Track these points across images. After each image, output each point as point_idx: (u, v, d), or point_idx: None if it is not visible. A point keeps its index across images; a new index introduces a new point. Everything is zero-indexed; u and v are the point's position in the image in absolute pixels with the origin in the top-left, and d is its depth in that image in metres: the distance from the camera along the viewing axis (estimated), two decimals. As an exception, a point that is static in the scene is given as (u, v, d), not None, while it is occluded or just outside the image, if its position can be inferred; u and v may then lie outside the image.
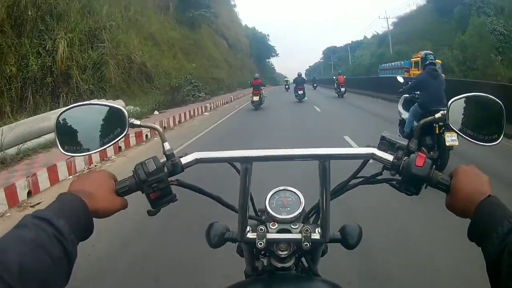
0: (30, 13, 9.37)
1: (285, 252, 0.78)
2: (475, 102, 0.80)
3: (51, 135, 6.20)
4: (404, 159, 0.76)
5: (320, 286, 0.79)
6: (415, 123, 5.16)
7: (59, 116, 0.78)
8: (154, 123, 0.88)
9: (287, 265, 0.80)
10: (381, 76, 27.62)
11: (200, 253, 2.59)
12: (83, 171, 5.41)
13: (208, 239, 0.86)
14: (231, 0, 51.87)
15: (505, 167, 5.05)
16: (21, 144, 5.93)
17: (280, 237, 0.78)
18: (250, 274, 0.88)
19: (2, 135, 5.58)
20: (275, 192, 0.86)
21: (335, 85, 21.27)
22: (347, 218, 1.54)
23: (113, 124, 0.77)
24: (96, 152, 0.80)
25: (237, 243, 0.89)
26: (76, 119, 0.79)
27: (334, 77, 23.12)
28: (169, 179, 0.76)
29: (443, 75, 5.92)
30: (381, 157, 0.78)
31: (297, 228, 0.79)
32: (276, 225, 0.80)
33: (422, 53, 5.58)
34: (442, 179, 0.74)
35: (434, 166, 0.74)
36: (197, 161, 0.79)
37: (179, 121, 11.21)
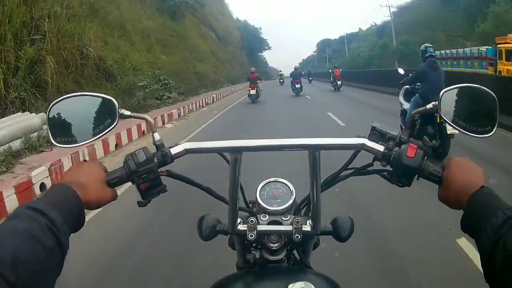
0: None
1: (276, 244, 0.78)
2: (468, 94, 0.79)
3: None
4: (395, 149, 0.75)
5: (311, 278, 0.74)
6: (416, 115, 4.24)
7: (50, 108, 0.78)
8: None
9: (278, 257, 0.80)
10: (382, 69, 24.41)
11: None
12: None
13: (200, 231, 0.87)
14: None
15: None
16: None
17: (271, 229, 0.78)
18: (242, 266, 0.87)
19: None
20: (266, 184, 0.86)
21: (331, 79, 21.02)
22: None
23: (104, 115, 0.78)
24: (87, 143, 0.79)
25: (228, 235, 0.88)
26: (67, 111, 0.79)
27: (330, 71, 22.89)
28: (159, 169, 0.75)
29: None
30: (371, 148, 0.77)
31: (288, 220, 0.79)
32: (267, 217, 0.79)
33: (422, 46, 5.63)
34: (434, 170, 0.73)
35: (426, 157, 0.73)
36: (187, 151, 0.79)
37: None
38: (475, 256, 2.39)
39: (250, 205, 0.92)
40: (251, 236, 0.76)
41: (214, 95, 17.91)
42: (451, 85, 0.77)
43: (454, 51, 19.60)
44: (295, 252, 0.89)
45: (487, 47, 16.77)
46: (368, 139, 0.79)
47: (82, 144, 0.79)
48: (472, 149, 5.16)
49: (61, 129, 0.78)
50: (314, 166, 0.77)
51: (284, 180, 0.86)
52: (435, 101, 0.76)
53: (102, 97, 0.79)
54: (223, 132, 8.80)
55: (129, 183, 0.75)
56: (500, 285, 0.55)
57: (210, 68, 26.53)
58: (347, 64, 41.72)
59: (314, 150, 0.76)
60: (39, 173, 4.34)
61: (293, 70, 19.95)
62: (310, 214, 0.82)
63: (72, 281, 2.31)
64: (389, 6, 36.52)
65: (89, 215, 0.64)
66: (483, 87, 0.76)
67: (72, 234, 0.60)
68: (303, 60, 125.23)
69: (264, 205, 0.81)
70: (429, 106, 0.77)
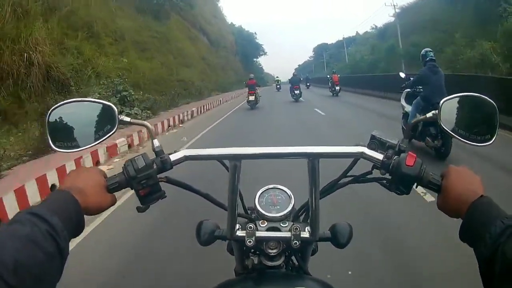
0: None
1: (274, 251, 0.79)
2: (468, 102, 0.80)
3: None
4: (395, 158, 0.75)
5: (309, 284, 0.77)
6: (418, 115, 5.16)
7: (50, 113, 0.78)
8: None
9: (276, 263, 0.81)
10: (382, 74, 22.82)
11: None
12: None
13: (198, 236, 0.88)
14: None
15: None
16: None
17: (269, 235, 0.78)
18: (240, 272, 0.87)
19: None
20: (264, 190, 0.87)
21: (330, 84, 21.14)
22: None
23: (103, 121, 0.78)
24: (86, 148, 0.78)
25: (227, 241, 0.88)
26: (66, 116, 0.79)
27: (329, 76, 22.97)
28: (158, 176, 0.76)
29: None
30: (371, 156, 0.77)
31: (286, 226, 0.79)
32: (266, 223, 0.80)
33: (423, 50, 5.82)
34: (433, 179, 0.73)
35: (425, 166, 0.73)
36: (186, 158, 0.79)
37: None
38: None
39: (249, 212, 0.93)
40: (250, 242, 0.76)
41: (195, 108, 14.01)
42: (452, 88, 0.71)
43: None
44: (293, 258, 0.88)
45: None
46: (368, 147, 0.79)
47: (81, 150, 0.79)
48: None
49: (60, 134, 0.79)
50: (313, 174, 0.77)
51: (283, 187, 0.88)
52: (435, 109, 0.76)
53: (102, 103, 0.80)
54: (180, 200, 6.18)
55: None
56: None
57: (198, 74, 23.55)
58: (348, 69, 39.08)
59: (313, 158, 0.77)
60: None
61: (292, 76, 19.93)
62: (308, 221, 0.82)
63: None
64: (394, 6, 34.01)
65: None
66: (483, 96, 0.77)
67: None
68: (298, 65, 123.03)
69: (263, 212, 0.82)
70: (429, 115, 0.77)
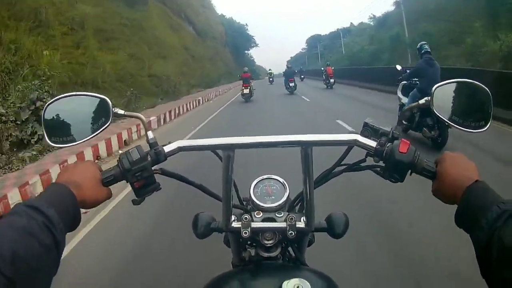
0: None
1: (270, 241, 0.79)
2: (462, 88, 0.78)
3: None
4: (388, 145, 0.74)
5: (306, 275, 0.73)
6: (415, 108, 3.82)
7: (45, 108, 0.79)
8: None
9: (273, 254, 0.81)
10: (379, 67, 21.76)
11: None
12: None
13: (195, 229, 0.87)
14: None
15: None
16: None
17: (265, 225, 0.78)
18: (237, 264, 0.87)
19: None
20: (259, 181, 0.86)
21: (324, 77, 20.78)
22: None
23: (98, 114, 0.78)
24: (82, 142, 0.79)
25: (223, 233, 0.88)
26: (61, 111, 0.79)
27: (323, 68, 22.82)
28: (153, 168, 0.75)
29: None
30: (364, 144, 0.76)
31: (282, 216, 0.79)
32: (261, 214, 0.79)
33: (418, 44, 6.00)
34: (427, 165, 0.72)
35: (419, 153, 0.73)
36: (180, 149, 0.79)
37: None
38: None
39: (244, 203, 0.93)
40: (245, 233, 0.76)
41: (154, 118, 9.43)
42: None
43: None
44: (290, 249, 0.89)
45: None
46: (361, 135, 0.78)
47: (77, 143, 0.79)
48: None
49: (56, 129, 0.79)
50: (306, 163, 0.77)
51: (277, 177, 0.87)
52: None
53: (96, 96, 0.79)
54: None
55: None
56: (497, 280, 0.54)
57: (178, 66, 20.11)
58: (346, 61, 36.32)
59: (306, 146, 0.76)
60: None
61: (286, 68, 19.75)
62: (304, 211, 0.81)
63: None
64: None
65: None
66: (477, 82, 0.75)
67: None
68: (291, 57, 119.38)
69: (258, 202, 0.82)
70: (422, 101, 0.76)
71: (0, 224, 0.51)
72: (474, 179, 0.64)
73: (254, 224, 0.76)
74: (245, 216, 0.76)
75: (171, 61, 18.85)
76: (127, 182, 0.74)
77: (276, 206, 0.80)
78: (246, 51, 66.52)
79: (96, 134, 0.78)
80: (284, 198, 0.81)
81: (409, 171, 0.73)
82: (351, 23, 61.58)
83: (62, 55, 9.72)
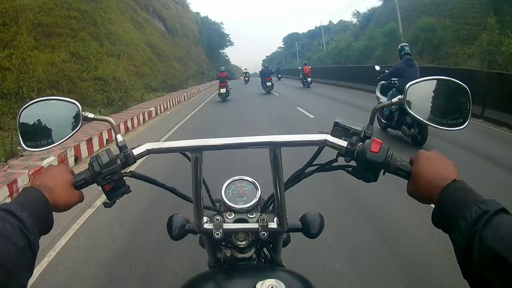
0: None
1: (243, 242, 0.78)
2: (438, 86, 0.75)
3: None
4: (359, 145, 0.73)
5: (281, 275, 0.74)
6: (393, 107, 5.62)
7: (20, 113, 0.78)
8: None
9: (247, 255, 0.80)
10: (358, 66, 21.68)
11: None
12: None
13: (169, 231, 0.87)
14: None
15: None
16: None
17: (236, 227, 0.77)
18: (213, 265, 0.87)
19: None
20: (231, 182, 0.86)
21: (301, 76, 20.42)
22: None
23: (69, 118, 0.78)
24: (55, 146, 0.79)
25: (198, 234, 0.87)
26: (36, 116, 0.79)
27: (300, 68, 22.68)
28: (123, 171, 0.75)
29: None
30: (334, 144, 0.75)
31: (254, 217, 0.78)
32: (233, 215, 0.79)
33: (399, 45, 6.18)
34: (401, 165, 0.70)
35: (392, 152, 0.71)
36: (149, 151, 0.77)
37: None
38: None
39: (217, 204, 0.91)
40: (217, 234, 0.75)
41: (68, 148, 5.22)
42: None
43: None
44: (265, 250, 0.88)
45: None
46: (331, 134, 0.77)
47: (51, 147, 0.78)
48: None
49: (30, 134, 0.79)
50: (275, 164, 0.76)
51: (249, 178, 0.86)
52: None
53: (66, 101, 0.79)
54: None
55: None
56: (479, 282, 0.52)
57: (136, 67, 17.01)
58: (329, 59, 34.49)
59: (274, 147, 0.75)
60: None
61: (263, 68, 19.99)
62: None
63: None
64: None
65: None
66: (454, 79, 0.73)
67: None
68: (267, 56, 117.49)
69: (230, 203, 0.80)
70: (395, 99, 0.74)
71: None
72: (452, 179, 0.62)
73: (226, 225, 0.76)
74: (217, 218, 0.76)
75: (127, 61, 15.70)
76: (98, 185, 0.73)
77: (248, 207, 0.79)
78: (221, 50, 64.03)
79: (68, 138, 0.78)
80: (256, 199, 0.81)
81: (382, 170, 0.71)
82: (330, 21, 61.07)
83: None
